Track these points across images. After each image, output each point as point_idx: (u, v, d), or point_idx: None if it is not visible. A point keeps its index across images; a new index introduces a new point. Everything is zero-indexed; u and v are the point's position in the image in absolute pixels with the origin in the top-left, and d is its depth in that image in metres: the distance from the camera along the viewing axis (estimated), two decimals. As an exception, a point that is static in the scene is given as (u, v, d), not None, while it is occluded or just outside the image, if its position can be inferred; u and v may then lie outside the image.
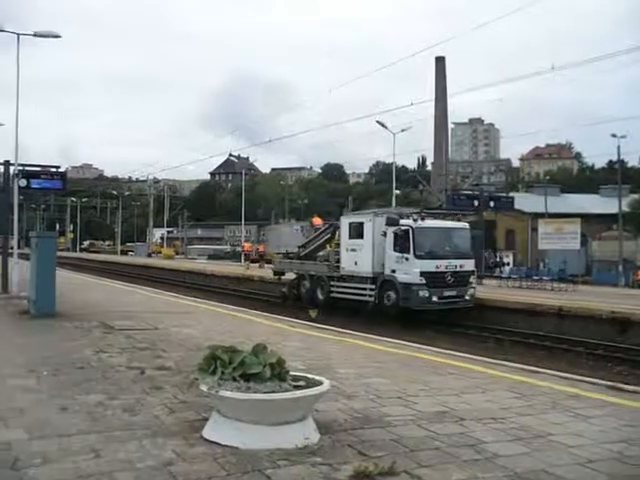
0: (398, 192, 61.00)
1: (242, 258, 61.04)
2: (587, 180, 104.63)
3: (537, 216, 46.84)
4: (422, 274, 23.69)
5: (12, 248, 24.98)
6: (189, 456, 5.35)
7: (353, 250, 26.39)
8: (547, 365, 12.85)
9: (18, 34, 22.34)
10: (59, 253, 21.15)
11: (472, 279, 25.18)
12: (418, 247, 23.96)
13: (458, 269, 24.45)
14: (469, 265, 25.14)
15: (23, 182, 22.57)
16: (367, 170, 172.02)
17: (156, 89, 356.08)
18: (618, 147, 46.65)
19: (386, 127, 48.01)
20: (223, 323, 15.97)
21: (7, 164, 23.17)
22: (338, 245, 27.94)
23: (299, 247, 32.69)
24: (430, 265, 23.94)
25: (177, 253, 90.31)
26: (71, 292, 21.71)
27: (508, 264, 43.91)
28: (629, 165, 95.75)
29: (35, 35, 22.07)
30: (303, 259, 31.05)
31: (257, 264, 51.17)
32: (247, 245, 66.69)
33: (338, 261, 27.43)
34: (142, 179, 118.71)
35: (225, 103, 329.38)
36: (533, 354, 18.23)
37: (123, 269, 59.55)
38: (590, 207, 51.56)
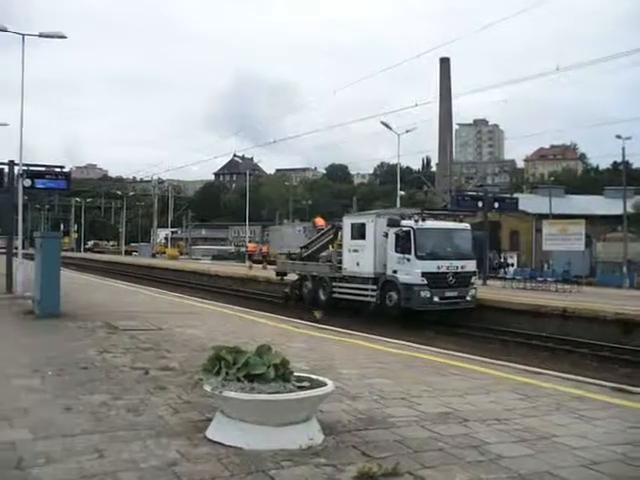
0: (403, 193, 60.90)
1: (246, 258, 61.05)
2: (591, 181, 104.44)
3: (541, 217, 46.80)
4: (423, 275, 23.78)
5: (16, 248, 25.03)
6: (193, 456, 5.35)
7: (355, 251, 26.46)
8: (551, 366, 12.83)
9: (23, 35, 22.39)
10: (63, 253, 21.19)
11: (473, 280, 25.25)
12: (419, 248, 24.04)
13: (459, 270, 24.51)
14: (470, 266, 25.21)
15: (27, 182, 22.61)
16: (371, 171, 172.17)
17: (160, 89, 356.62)
18: (623, 148, 46.56)
19: (390, 128, 47.97)
20: (227, 324, 15.98)
21: (11, 164, 23.19)
22: (340, 246, 28.01)
23: (301, 248, 32.81)
24: (431, 266, 24.01)
25: (181, 253, 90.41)
26: (75, 292, 21.74)
27: (512, 265, 43.80)
28: (634, 166, 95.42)
29: (40, 36, 22.11)
30: (305, 260, 31.15)
31: (260, 265, 51.17)
32: (251, 245, 66.80)
33: (340, 262, 27.50)
34: (146, 179, 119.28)
35: (229, 104, 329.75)
36: (537, 355, 18.22)
37: (127, 269, 59.61)
38: (594, 208, 51.46)
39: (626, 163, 50.20)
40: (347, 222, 27.77)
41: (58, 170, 24.21)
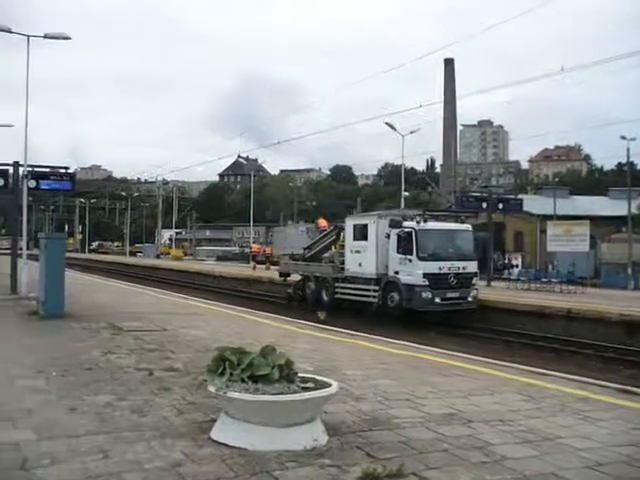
0: (407, 194, 61.03)
1: (250, 259, 61.08)
2: (596, 182, 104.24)
3: (546, 218, 46.63)
4: (425, 276, 23.83)
5: (21, 249, 25.06)
6: (197, 457, 5.36)
7: (357, 252, 26.54)
8: (556, 367, 12.78)
9: (28, 36, 22.44)
10: (68, 254, 21.20)
11: (475, 281, 25.30)
12: (421, 249, 24.10)
13: (461, 271, 24.58)
14: (472, 267, 25.26)
15: (32, 183, 22.65)
16: (376, 172, 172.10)
17: (164, 90, 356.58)
18: (627, 149, 46.50)
19: (395, 129, 48.01)
20: (232, 325, 15.98)
21: (16, 165, 23.23)
22: (343, 247, 28.10)
23: (304, 249, 32.90)
24: (433, 267, 24.07)
25: (185, 254, 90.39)
26: (80, 293, 21.77)
27: (517, 266, 43.71)
28: (639, 167, 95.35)
29: (45, 37, 22.15)
30: (308, 261, 31.26)
31: (264, 265, 51.19)
32: (255, 246, 66.80)
33: (343, 262, 27.61)
34: (151, 180, 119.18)
35: (234, 104, 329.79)
36: (541, 356, 18.17)
37: (131, 270, 59.63)
38: (599, 209, 51.33)
39: (631, 164, 50.17)
40: (349, 223, 27.84)
41: (63, 171, 24.27)
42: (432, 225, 24.98)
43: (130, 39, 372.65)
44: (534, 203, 49.67)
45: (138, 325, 14.61)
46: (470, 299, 24.60)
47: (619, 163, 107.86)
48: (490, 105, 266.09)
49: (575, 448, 5.95)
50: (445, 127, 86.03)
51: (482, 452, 5.75)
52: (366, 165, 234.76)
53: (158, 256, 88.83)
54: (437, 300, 23.91)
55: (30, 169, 22.93)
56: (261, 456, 5.36)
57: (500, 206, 35.84)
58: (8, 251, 27.15)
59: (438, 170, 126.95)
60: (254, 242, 76.30)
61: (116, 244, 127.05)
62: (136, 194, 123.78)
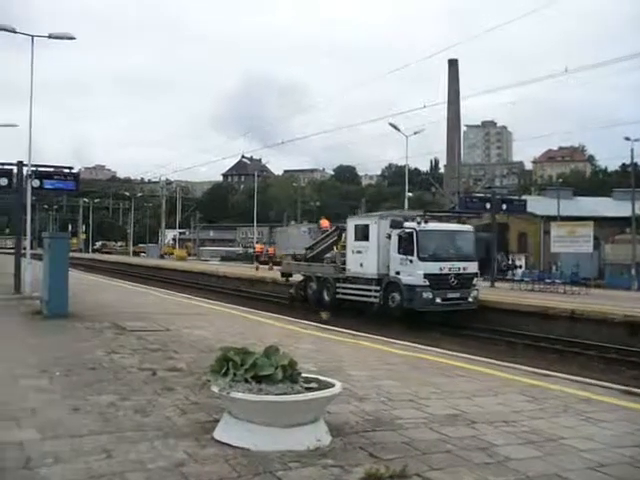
0: (411, 194, 60.84)
1: (253, 260, 61.09)
2: (600, 183, 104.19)
3: (549, 219, 46.62)
4: (426, 276, 23.93)
5: (25, 249, 25.10)
6: (200, 457, 5.36)
7: (359, 252, 26.63)
8: (559, 368, 12.78)
9: (32, 36, 22.46)
10: (71, 254, 21.24)
11: (475, 281, 25.39)
12: (422, 249, 24.19)
13: (461, 271, 24.68)
14: (472, 267, 25.36)
15: (36, 183, 22.69)
16: (379, 172, 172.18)
17: (168, 90, 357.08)
18: (631, 150, 46.45)
19: (399, 129, 47.95)
20: (235, 325, 15.99)
21: (20, 165, 23.26)
22: (344, 247, 28.16)
23: (306, 249, 33.04)
24: (434, 267, 24.17)
25: (189, 254, 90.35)
26: (83, 293, 21.78)
27: (520, 267, 43.68)
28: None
29: (50, 37, 22.17)
30: (310, 261, 31.39)
31: (267, 266, 51.21)
32: (258, 247, 66.79)
33: (344, 263, 27.71)
34: (154, 180, 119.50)
35: (237, 104, 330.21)
36: (545, 357, 18.19)
37: (135, 270, 59.68)
38: (603, 210, 51.26)
39: (635, 165, 50.02)
40: (351, 224, 27.93)
41: (67, 171, 24.30)
42: (433, 226, 25.05)
43: (132, 39, 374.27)
44: (538, 204, 49.60)
45: (142, 325, 14.62)
46: (470, 299, 24.68)
47: (623, 164, 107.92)
48: (494, 106, 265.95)
49: (578, 449, 5.95)
50: (449, 128, 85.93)
51: (485, 453, 5.74)
52: (370, 165, 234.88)
53: (162, 256, 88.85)
54: (438, 300, 24.02)
55: (34, 169, 22.98)
56: (264, 456, 5.36)
57: (504, 207, 35.83)
58: (12, 250, 27.15)
59: (442, 171, 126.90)
60: (257, 242, 76.23)
61: (119, 244, 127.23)
62: (140, 194, 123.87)
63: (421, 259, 24.08)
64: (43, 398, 7.32)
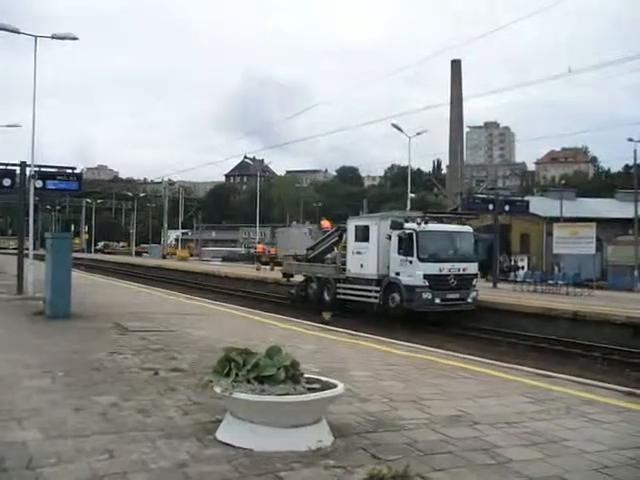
0: (413, 195, 60.80)
1: (255, 260, 61.16)
2: (603, 184, 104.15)
3: (552, 220, 46.49)
4: (425, 277, 24.05)
5: (27, 249, 25.11)
6: (203, 458, 5.36)
7: (359, 253, 26.73)
8: (561, 370, 12.77)
9: (36, 36, 22.50)
10: (74, 254, 21.20)
11: (474, 282, 25.48)
12: (422, 250, 24.29)
13: (461, 272, 24.81)
14: (472, 268, 25.49)
15: (39, 183, 22.70)
16: (382, 173, 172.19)
17: (170, 91, 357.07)
18: (634, 151, 46.48)
19: (401, 130, 47.97)
20: (237, 325, 16.01)
21: (23, 165, 23.28)
22: (345, 248, 28.21)
23: (307, 250, 33.22)
24: (433, 268, 24.27)
25: (191, 255, 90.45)
26: (86, 293, 21.80)
27: (523, 268, 43.62)
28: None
29: (53, 37, 22.20)
30: (311, 261, 31.54)
31: (268, 266, 51.26)
32: (259, 247, 66.86)
33: (344, 263, 27.80)
34: (157, 181, 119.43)
35: (240, 105, 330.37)
36: (547, 358, 18.14)
37: (137, 270, 59.65)
38: (606, 211, 51.14)
39: (638, 166, 49.81)
40: (351, 224, 28.01)
41: (69, 171, 24.29)
42: (433, 227, 25.12)
43: (134, 39, 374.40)
44: (540, 205, 49.54)
45: (144, 325, 14.63)
46: (470, 300, 24.84)
47: (626, 165, 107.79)
48: (497, 107, 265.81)
49: (581, 451, 5.95)
50: (452, 129, 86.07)
51: (488, 454, 5.74)
52: (373, 166, 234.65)
53: (164, 256, 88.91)
54: (437, 301, 24.16)
55: (37, 169, 22.99)
56: (266, 457, 5.36)
57: (506, 208, 35.85)
58: (15, 251, 27.17)
59: (445, 171, 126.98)
60: (259, 243, 76.25)
61: (122, 244, 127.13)
62: (142, 194, 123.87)
63: (421, 260, 24.18)
64: (46, 398, 7.32)
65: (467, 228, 26.64)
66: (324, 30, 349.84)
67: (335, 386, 5.98)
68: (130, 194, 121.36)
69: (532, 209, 40.19)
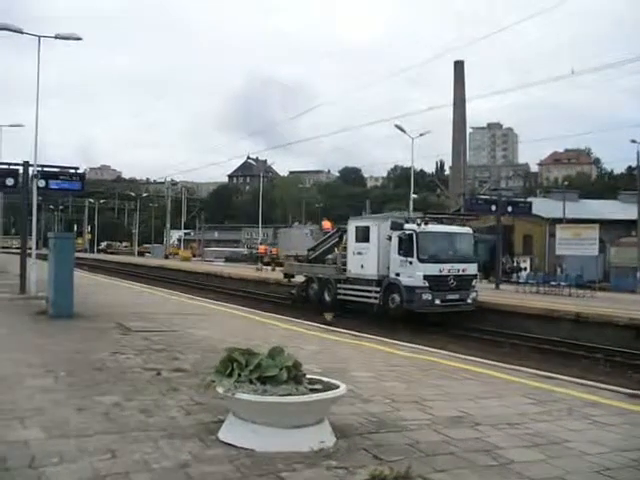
0: (416, 196, 60.83)
1: (257, 260, 61.21)
2: (606, 186, 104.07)
3: (555, 221, 46.48)
4: (425, 277, 24.12)
5: (30, 248, 25.14)
6: (205, 458, 5.37)
7: (359, 253, 26.79)
8: (563, 371, 12.76)
9: (39, 36, 22.52)
10: (77, 254, 21.24)
11: (474, 283, 25.56)
12: (422, 251, 24.36)
13: (461, 273, 24.88)
14: (472, 269, 25.59)
15: (42, 183, 22.71)
16: (385, 174, 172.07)
17: (172, 91, 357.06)
18: (638, 153, 46.42)
19: (404, 131, 47.96)
20: (239, 325, 16.01)
21: (26, 165, 23.29)
22: (345, 248, 28.27)
23: (308, 250, 33.40)
24: (433, 269, 24.35)
25: (194, 255, 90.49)
26: (88, 293, 21.80)
27: (525, 269, 43.61)
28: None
29: (56, 37, 22.23)
30: (312, 262, 31.62)
31: (270, 267, 51.29)
32: (261, 247, 66.90)
33: (345, 264, 27.84)
34: (160, 181, 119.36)
35: (243, 105, 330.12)
36: (549, 360, 18.11)
37: (140, 270, 59.67)
38: (609, 213, 51.11)
39: (641, 168, 49.81)
40: (352, 225, 28.05)
41: (72, 171, 24.28)
42: (433, 228, 25.19)
43: (134, 39, 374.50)
44: (543, 206, 49.52)
45: (146, 325, 14.64)
46: (469, 301, 24.92)
47: (629, 167, 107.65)
48: (499, 108, 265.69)
49: (582, 452, 5.95)
50: (454, 130, 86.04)
51: (489, 455, 5.74)
52: (376, 167, 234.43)
53: (167, 257, 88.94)
54: (437, 302, 24.23)
55: (40, 169, 23.01)
56: (268, 457, 5.36)
57: (509, 209, 35.83)
58: (18, 250, 27.21)
59: (447, 172, 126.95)
60: (261, 243, 76.32)
61: (124, 244, 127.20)
62: (145, 194, 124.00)
63: (421, 261, 24.25)
64: (48, 398, 7.33)
65: (467, 229, 26.69)
66: (324, 30, 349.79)
67: (337, 387, 5.98)
68: (133, 194, 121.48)
69: (535, 210, 40.17)
